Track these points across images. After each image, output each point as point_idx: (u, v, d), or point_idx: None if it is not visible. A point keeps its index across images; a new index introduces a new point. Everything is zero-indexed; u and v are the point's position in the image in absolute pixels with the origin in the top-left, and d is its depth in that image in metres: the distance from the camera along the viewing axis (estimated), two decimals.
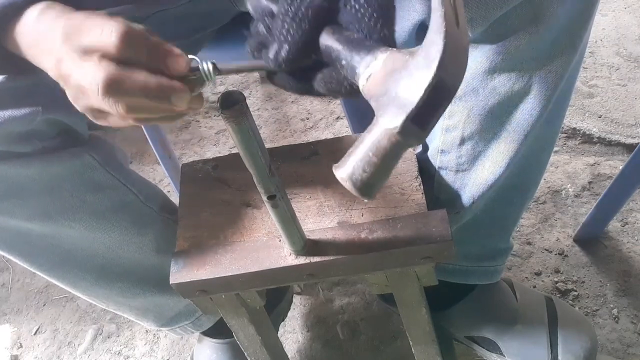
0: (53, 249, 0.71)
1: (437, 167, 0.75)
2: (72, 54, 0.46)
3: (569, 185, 1.21)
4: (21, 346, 1.21)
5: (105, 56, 0.45)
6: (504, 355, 0.94)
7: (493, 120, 0.68)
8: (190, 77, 0.46)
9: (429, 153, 0.76)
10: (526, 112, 0.67)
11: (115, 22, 0.45)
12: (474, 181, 0.73)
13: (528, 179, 0.80)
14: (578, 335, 0.91)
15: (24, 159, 0.61)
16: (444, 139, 0.72)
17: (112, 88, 0.44)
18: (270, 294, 0.83)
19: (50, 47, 0.49)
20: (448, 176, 0.75)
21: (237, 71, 0.47)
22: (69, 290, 0.78)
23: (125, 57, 0.45)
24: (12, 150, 0.60)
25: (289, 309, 1.09)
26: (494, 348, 0.94)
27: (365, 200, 0.40)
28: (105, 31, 0.45)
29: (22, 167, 0.62)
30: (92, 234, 0.71)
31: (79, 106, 0.49)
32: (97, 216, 0.71)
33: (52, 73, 0.50)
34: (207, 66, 0.45)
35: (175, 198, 0.79)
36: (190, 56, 0.46)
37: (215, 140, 1.49)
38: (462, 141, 0.71)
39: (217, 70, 0.45)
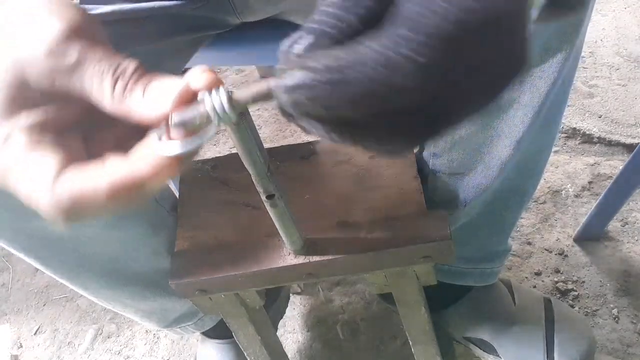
0: (70, 252, 0.70)
1: (430, 169, 0.75)
2: None
3: (569, 185, 1.21)
4: (21, 346, 1.21)
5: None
6: (500, 357, 0.93)
7: (483, 127, 0.67)
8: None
9: (424, 154, 0.76)
10: (517, 119, 0.66)
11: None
12: (467, 185, 0.73)
13: (525, 182, 0.79)
14: (575, 338, 0.91)
15: None
16: (435, 143, 0.72)
17: None
18: (267, 293, 0.83)
19: None
20: (441, 179, 0.74)
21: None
22: (79, 292, 0.77)
23: None
24: None
25: (287, 306, 1.09)
26: (491, 350, 0.94)
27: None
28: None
29: None
30: (109, 233, 0.70)
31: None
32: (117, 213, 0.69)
33: None
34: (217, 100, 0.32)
35: None
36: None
37: (215, 140, 1.49)
38: (453, 145, 0.70)
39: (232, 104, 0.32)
